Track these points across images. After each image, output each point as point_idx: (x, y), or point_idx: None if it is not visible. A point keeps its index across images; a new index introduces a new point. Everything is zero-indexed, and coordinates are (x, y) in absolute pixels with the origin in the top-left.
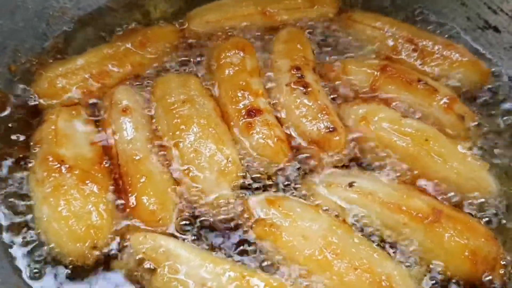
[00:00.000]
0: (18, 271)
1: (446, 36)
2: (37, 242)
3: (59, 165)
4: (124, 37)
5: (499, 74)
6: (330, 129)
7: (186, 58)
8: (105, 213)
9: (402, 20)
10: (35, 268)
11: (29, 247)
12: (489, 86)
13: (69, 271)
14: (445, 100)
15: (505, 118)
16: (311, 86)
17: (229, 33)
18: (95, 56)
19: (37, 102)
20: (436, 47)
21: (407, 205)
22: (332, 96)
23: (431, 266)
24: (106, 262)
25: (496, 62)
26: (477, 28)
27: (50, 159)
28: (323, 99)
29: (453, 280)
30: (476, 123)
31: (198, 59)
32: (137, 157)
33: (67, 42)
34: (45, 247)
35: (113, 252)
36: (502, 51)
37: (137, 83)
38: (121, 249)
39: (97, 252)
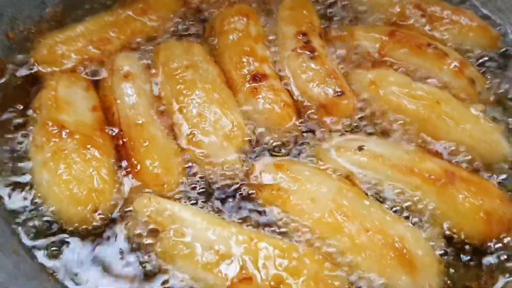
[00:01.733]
0: (16, 235)
1: (454, 1)
2: (37, 207)
3: (59, 130)
4: (125, 5)
5: (508, 39)
6: (338, 93)
7: (189, 26)
8: (107, 177)
9: None
10: (35, 234)
11: (30, 213)
12: (499, 50)
13: (71, 236)
14: (455, 64)
15: None
16: (317, 51)
17: (232, 1)
18: (95, 24)
19: (36, 70)
20: (445, 12)
21: (419, 168)
22: (339, 63)
23: (444, 228)
24: (109, 226)
25: (506, 27)
26: None
27: (50, 124)
28: (330, 64)
29: (467, 242)
30: (487, 86)
31: (201, 26)
32: (140, 121)
33: (66, 11)
34: (46, 212)
35: (116, 216)
36: (511, 16)
37: (139, 50)
38: (124, 213)
39: (99, 216)
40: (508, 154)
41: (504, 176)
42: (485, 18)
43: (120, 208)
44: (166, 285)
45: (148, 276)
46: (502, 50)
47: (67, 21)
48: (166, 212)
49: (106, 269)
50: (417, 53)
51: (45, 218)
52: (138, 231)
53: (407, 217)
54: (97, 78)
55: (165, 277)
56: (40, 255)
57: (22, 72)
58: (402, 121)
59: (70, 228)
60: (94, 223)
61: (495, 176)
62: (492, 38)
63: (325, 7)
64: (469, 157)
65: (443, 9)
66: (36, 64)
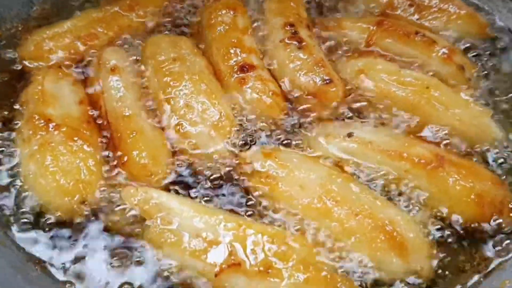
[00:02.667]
0: (3, 227)
1: None
2: (24, 199)
3: (45, 123)
4: (112, 1)
5: (497, 26)
6: (327, 81)
7: (176, 20)
8: (94, 168)
9: None
10: (22, 225)
11: (17, 205)
12: (488, 38)
13: (58, 226)
14: (444, 51)
15: (504, 68)
16: (305, 41)
17: None
18: (82, 20)
19: (23, 66)
20: (433, 1)
21: (408, 152)
22: (327, 53)
23: (435, 211)
24: (96, 217)
25: (494, 15)
26: None
27: (36, 117)
28: (318, 53)
29: (459, 225)
30: (476, 73)
31: (188, 20)
32: (127, 113)
33: (53, 9)
34: (33, 204)
35: (103, 206)
36: (500, 3)
37: (126, 45)
38: (111, 203)
39: (86, 207)
40: (497, 137)
41: (494, 159)
42: (473, 6)
43: (107, 199)
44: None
45: (137, 264)
46: (491, 37)
47: (54, 19)
48: (153, 200)
49: (93, 259)
50: (405, 42)
51: (32, 210)
52: (125, 221)
53: (397, 202)
54: (84, 72)
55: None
56: (27, 246)
57: (9, 68)
58: (391, 108)
59: (57, 219)
60: (81, 214)
61: (485, 159)
62: (481, 26)
63: None
64: (459, 141)
65: None
66: (23, 60)
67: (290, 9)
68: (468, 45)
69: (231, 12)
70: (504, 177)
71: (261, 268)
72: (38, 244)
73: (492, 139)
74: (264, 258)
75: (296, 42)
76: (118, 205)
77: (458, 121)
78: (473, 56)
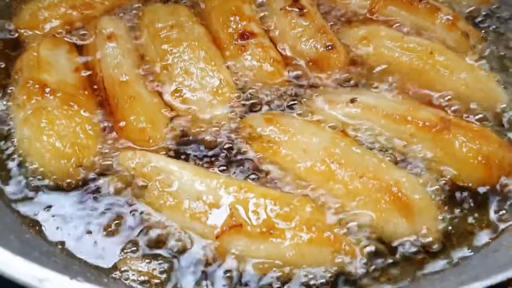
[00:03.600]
0: None
1: None
2: (19, 163)
3: (40, 88)
4: None
5: None
6: (329, 47)
7: None
8: (91, 132)
9: None
10: (17, 188)
11: (11, 169)
12: (492, 6)
13: (54, 190)
14: (448, 17)
15: (509, 36)
16: (306, 8)
17: None
18: None
19: (18, 35)
20: None
21: (413, 116)
22: (329, 22)
23: (442, 174)
24: (93, 180)
25: None
26: None
27: (31, 83)
28: (320, 20)
29: (467, 187)
30: (481, 40)
31: None
32: (124, 79)
33: None
34: (28, 167)
35: (100, 170)
36: None
37: (123, 14)
38: (109, 166)
39: (83, 170)
40: (504, 101)
41: (500, 122)
42: None
43: (104, 162)
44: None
45: (134, 228)
46: (495, 6)
47: None
48: (152, 164)
49: (89, 223)
50: (408, 9)
51: (28, 173)
52: (123, 184)
53: (403, 165)
54: (80, 40)
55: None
56: (22, 209)
57: (4, 37)
58: (395, 74)
59: (53, 182)
60: (78, 177)
61: (491, 123)
62: None
63: None
64: (465, 105)
65: None
66: (18, 29)
67: None
68: (471, 13)
69: None
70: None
71: (263, 229)
72: (33, 207)
73: (498, 102)
74: (266, 219)
75: (297, 9)
76: (116, 169)
77: (464, 86)
78: (477, 23)
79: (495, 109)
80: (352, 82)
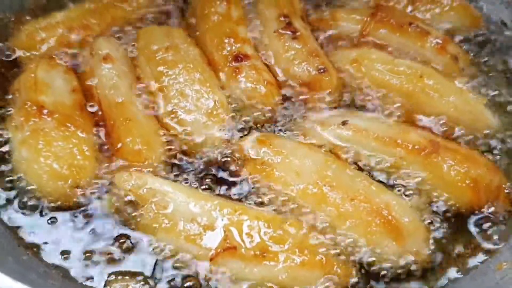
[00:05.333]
0: None
1: None
2: (17, 185)
3: (38, 110)
4: None
5: (490, 18)
6: (321, 70)
7: (170, 11)
8: (88, 153)
9: None
10: (14, 210)
11: (9, 190)
12: (480, 30)
13: (51, 211)
14: (437, 41)
15: (498, 60)
16: (299, 31)
17: None
18: (76, 11)
19: (15, 56)
20: None
21: (403, 139)
22: (321, 44)
23: (431, 197)
24: (89, 202)
25: (486, 7)
26: None
27: (29, 104)
28: (312, 43)
29: (455, 210)
30: (470, 64)
31: (182, 12)
32: (120, 100)
33: (47, 1)
34: (26, 189)
35: (96, 191)
36: None
37: (119, 36)
38: (105, 188)
39: (80, 192)
40: (492, 125)
41: (488, 146)
42: None
43: (101, 184)
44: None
45: (129, 250)
46: (484, 29)
47: (48, 11)
48: (147, 185)
49: (85, 244)
50: (399, 32)
51: (25, 195)
52: (119, 205)
53: (393, 187)
54: (77, 62)
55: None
56: (19, 230)
57: (1, 58)
58: (386, 97)
59: (50, 204)
60: (75, 199)
61: (480, 146)
62: (474, 18)
63: None
64: (454, 128)
65: None
66: (16, 50)
67: (283, 0)
68: (461, 36)
69: (225, 3)
70: (499, 163)
71: (257, 252)
72: (30, 229)
73: (486, 125)
74: (260, 242)
75: (290, 32)
76: (112, 190)
77: (453, 109)
78: (466, 47)
79: (483, 132)
80: (343, 104)
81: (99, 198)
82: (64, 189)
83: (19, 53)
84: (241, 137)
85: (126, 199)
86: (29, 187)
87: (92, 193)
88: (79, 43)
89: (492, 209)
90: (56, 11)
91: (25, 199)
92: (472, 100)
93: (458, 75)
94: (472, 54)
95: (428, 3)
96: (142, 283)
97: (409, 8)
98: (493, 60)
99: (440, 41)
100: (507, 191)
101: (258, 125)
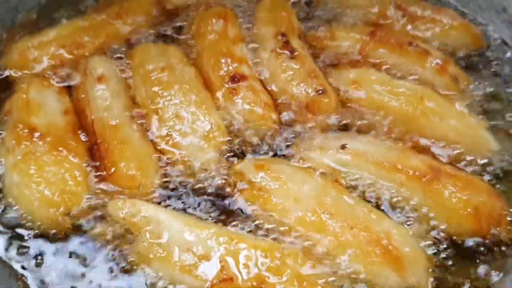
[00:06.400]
0: None
1: (433, 2)
2: (7, 211)
3: (29, 132)
4: (99, 10)
5: (491, 37)
6: (320, 92)
7: (165, 30)
8: (80, 178)
9: None
10: (5, 238)
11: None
12: (482, 49)
13: (42, 239)
14: (438, 61)
15: (499, 80)
16: (297, 51)
17: (209, 3)
18: (69, 28)
19: (7, 75)
20: (426, 12)
21: (403, 164)
22: (319, 63)
23: (432, 225)
24: (81, 229)
25: (488, 25)
26: None
27: (20, 127)
28: (311, 64)
29: (457, 238)
30: (470, 85)
31: (177, 30)
32: (114, 123)
33: (40, 17)
34: (16, 215)
35: (89, 218)
36: (493, 14)
37: (113, 54)
38: (98, 215)
39: (72, 219)
40: (494, 149)
41: (490, 171)
42: (466, 17)
43: (93, 211)
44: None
45: (123, 280)
46: (485, 48)
47: (41, 28)
48: (141, 214)
49: (77, 274)
50: (398, 52)
51: (16, 222)
52: (112, 234)
53: (392, 214)
54: (70, 82)
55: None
56: (10, 260)
57: None
58: (385, 119)
59: (42, 232)
60: (67, 226)
61: (481, 171)
62: (475, 37)
63: (304, 8)
64: (455, 153)
65: (424, 9)
66: (7, 69)
67: (281, 19)
68: (461, 56)
69: (221, 21)
70: (501, 189)
71: (254, 283)
72: (20, 257)
73: (488, 150)
74: (257, 273)
75: (288, 52)
76: (105, 218)
77: (454, 132)
78: (467, 67)
79: (484, 157)
80: (342, 126)
81: (91, 225)
82: (56, 217)
83: (10, 72)
84: (237, 161)
85: (119, 227)
86: (20, 214)
87: (84, 220)
88: (72, 62)
89: (494, 237)
90: (48, 27)
91: (15, 226)
92: (474, 124)
93: (458, 96)
94: (472, 75)
95: (428, 22)
96: None
97: (409, 27)
98: (494, 80)
99: (440, 62)
100: (509, 218)
101: (255, 149)
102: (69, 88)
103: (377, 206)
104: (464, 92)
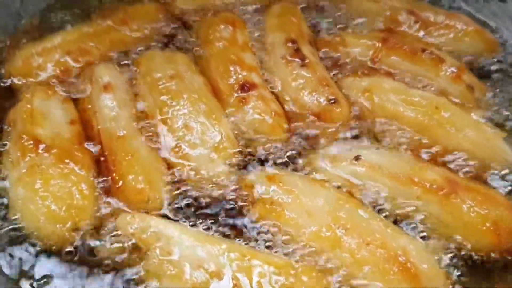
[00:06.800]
0: None
1: (446, 8)
2: (12, 226)
3: (34, 144)
4: (104, 15)
5: (506, 43)
6: (332, 101)
7: (172, 35)
8: (87, 193)
9: None
10: (10, 254)
11: (4, 232)
12: (497, 56)
13: (49, 256)
14: (452, 69)
15: None
16: (308, 58)
17: (217, 9)
18: (73, 35)
19: (11, 83)
20: (439, 17)
21: (419, 177)
22: (330, 71)
23: (449, 240)
24: (89, 246)
25: (502, 31)
26: None
27: (25, 138)
28: (322, 71)
29: (475, 253)
30: (486, 93)
31: (185, 36)
32: (121, 134)
33: (43, 22)
34: (22, 231)
35: (97, 235)
36: (508, 21)
37: (119, 61)
38: (106, 231)
39: (79, 235)
40: (511, 160)
41: (509, 184)
42: (480, 23)
43: (101, 226)
44: None
45: None
46: (500, 55)
47: (44, 33)
48: (151, 229)
49: None
50: (412, 59)
51: (21, 237)
52: (120, 250)
53: (409, 229)
54: (75, 90)
55: None
56: (16, 278)
57: None
58: (399, 129)
59: (48, 248)
60: (74, 242)
61: (500, 184)
62: (489, 43)
63: (315, 13)
64: (472, 164)
65: (437, 14)
66: (11, 77)
67: (291, 24)
68: (476, 63)
69: (230, 27)
70: None
71: None
72: (26, 275)
73: (505, 161)
74: None
75: (298, 60)
76: (113, 233)
77: (470, 143)
78: (481, 74)
79: (502, 168)
80: (355, 136)
81: (100, 241)
82: (63, 233)
83: (14, 79)
84: (248, 173)
85: (128, 243)
86: (26, 230)
87: (92, 236)
88: (77, 69)
89: None
90: (51, 32)
91: (21, 242)
92: (490, 134)
93: (473, 105)
94: (488, 83)
95: (442, 28)
96: None
97: (421, 33)
98: (509, 87)
99: (455, 70)
100: None
101: (266, 160)
102: (74, 97)
103: (393, 220)
104: (479, 100)
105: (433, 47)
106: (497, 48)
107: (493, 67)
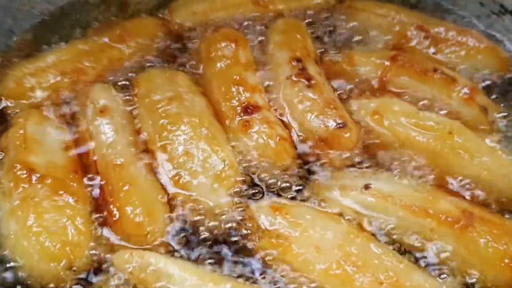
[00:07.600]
0: None
1: (457, 24)
2: (3, 264)
3: (28, 174)
4: (100, 32)
5: None
6: (340, 125)
7: (171, 53)
8: (83, 227)
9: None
10: None
11: None
12: (510, 75)
13: None
14: (465, 90)
15: None
16: (314, 79)
17: (218, 25)
18: (68, 53)
19: (3, 106)
20: (450, 34)
21: (433, 208)
22: (337, 91)
23: (466, 276)
24: (85, 285)
25: None
26: (491, 14)
27: (18, 167)
28: (329, 93)
29: None
30: (500, 114)
31: (184, 54)
32: (118, 162)
33: (36, 40)
34: (13, 269)
35: (93, 273)
36: None
37: (116, 80)
38: (103, 269)
39: (74, 274)
40: None
41: None
42: (493, 39)
43: (97, 264)
44: None
45: None
46: None
47: (37, 51)
48: (151, 267)
49: None
50: (422, 80)
51: (13, 276)
52: None
53: (423, 265)
54: (70, 113)
55: None
56: None
57: None
58: (411, 155)
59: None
60: (69, 282)
61: None
62: (502, 61)
63: (320, 30)
64: (488, 193)
65: (447, 30)
66: (3, 99)
67: (296, 42)
68: (488, 82)
69: (232, 45)
70: None
71: None
72: None
73: None
74: None
75: (304, 80)
76: (110, 271)
77: (486, 171)
78: (494, 94)
79: None
80: (365, 162)
81: (96, 280)
82: (57, 271)
83: (6, 102)
84: (252, 203)
85: (126, 283)
86: (17, 267)
87: (87, 274)
88: (72, 90)
89: None
90: (45, 49)
91: (13, 281)
92: (507, 161)
93: (488, 127)
94: (502, 104)
95: (453, 45)
96: None
97: (432, 50)
98: None
99: (467, 91)
100: None
101: (271, 189)
102: (69, 121)
103: (406, 255)
104: (494, 123)
105: (444, 66)
106: (510, 66)
107: (507, 87)
